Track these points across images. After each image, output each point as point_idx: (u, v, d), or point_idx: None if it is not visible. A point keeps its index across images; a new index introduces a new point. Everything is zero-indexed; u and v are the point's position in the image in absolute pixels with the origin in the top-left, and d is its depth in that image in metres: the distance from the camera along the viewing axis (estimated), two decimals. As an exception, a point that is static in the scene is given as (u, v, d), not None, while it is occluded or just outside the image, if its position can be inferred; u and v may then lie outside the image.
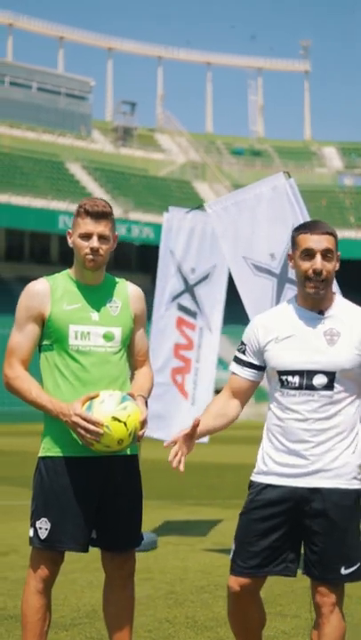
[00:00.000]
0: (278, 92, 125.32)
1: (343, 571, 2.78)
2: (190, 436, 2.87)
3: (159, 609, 4.56)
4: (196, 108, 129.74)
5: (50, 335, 3.03)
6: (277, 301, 5.28)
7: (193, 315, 6.72)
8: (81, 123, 50.72)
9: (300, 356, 2.81)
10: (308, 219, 5.44)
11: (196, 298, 6.71)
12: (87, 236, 3.02)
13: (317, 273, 2.78)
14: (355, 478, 2.82)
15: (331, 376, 2.78)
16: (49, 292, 3.03)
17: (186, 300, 6.69)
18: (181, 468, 2.85)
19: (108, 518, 3.05)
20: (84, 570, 5.39)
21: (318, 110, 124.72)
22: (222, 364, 32.13)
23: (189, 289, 6.70)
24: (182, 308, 6.68)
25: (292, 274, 5.49)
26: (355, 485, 2.82)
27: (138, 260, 44.46)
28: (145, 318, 3.21)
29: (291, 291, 5.42)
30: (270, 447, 2.89)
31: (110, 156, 48.76)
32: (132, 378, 3.20)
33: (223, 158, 52.14)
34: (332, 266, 2.82)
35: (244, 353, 2.96)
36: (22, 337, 3.04)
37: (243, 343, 2.96)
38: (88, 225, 3.02)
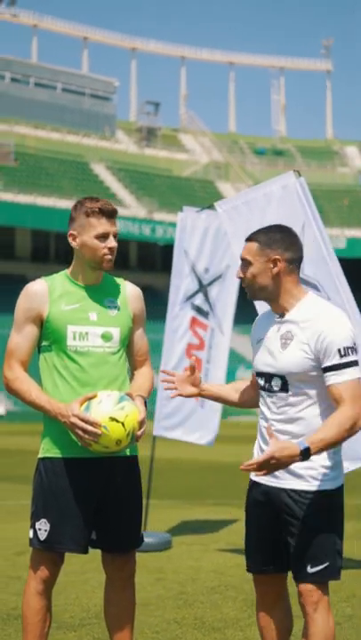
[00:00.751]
0: (300, 91, 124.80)
1: (309, 569, 2.81)
2: (192, 381, 3.09)
3: (168, 609, 4.56)
4: (219, 108, 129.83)
5: (48, 336, 3.03)
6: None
7: (205, 315, 6.72)
8: (105, 123, 50.85)
9: (262, 359, 2.93)
10: (318, 218, 5.41)
11: (209, 298, 6.71)
12: (104, 237, 3.01)
13: (240, 279, 2.95)
14: (315, 479, 2.83)
15: (283, 379, 2.86)
16: (47, 293, 3.03)
17: (199, 300, 6.69)
18: (173, 395, 3.11)
19: (108, 519, 3.05)
20: (97, 570, 5.36)
21: (340, 110, 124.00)
22: (243, 362, 32.00)
23: (203, 289, 6.70)
24: (196, 308, 6.68)
25: (303, 274, 5.46)
26: (319, 487, 2.83)
27: (162, 260, 44.46)
28: (144, 318, 3.20)
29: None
30: (255, 446, 3.00)
31: (134, 157, 48.85)
32: (131, 378, 3.19)
33: (246, 158, 52.01)
34: (251, 272, 2.90)
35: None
36: (21, 338, 3.04)
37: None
38: (105, 225, 3.01)
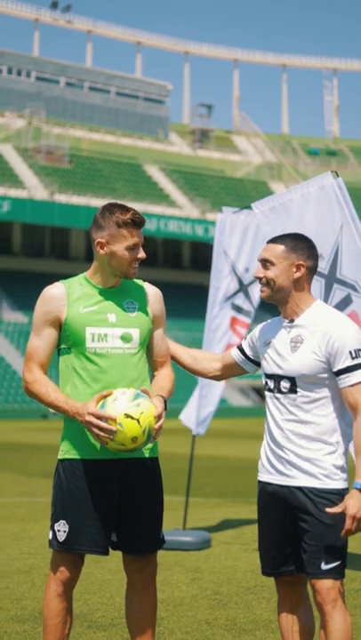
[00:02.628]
0: (354, 92, 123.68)
1: (323, 566, 2.85)
2: None
3: (201, 610, 4.55)
4: (272, 110, 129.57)
5: (67, 338, 3.03)
6: (325, 302, 5.20)
7: (247, 314, 6.72)
8: (159, 126, 51.15)
9: (271, 362, 3.01)
10: (356, 219, 5.34)
11: (251, 297, 6.69)
12: (135, 247, 3.02)
13: (258, 279, 3.02)
14: (329, 478, 2.89)
15: (292, 381, 2.93)
16: (65, 296, 3.03)
17: (240, 300, 6.68)
18: None
19: (128, 521, 3.04)
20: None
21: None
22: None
23: (244, 289, 6.69)
24: (236, 308, 6.68)
25: (341, 274, 5.42)
26: (330, 485, 2.89)
27: (215, 261, 44.49)
28: (164, 319, 3.19)
29: (339, 291, 5.34)
30: (263, 447, 3.06)
31: (187, 158, 49.03)
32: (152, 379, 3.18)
33: (299, 158, 51.77)
34: (274, 273, 2.98)
35: (244, 340, 3.22)
36: (40, 341, 3.05)
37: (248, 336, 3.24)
38: (136, 236, 3.02)
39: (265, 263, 3.00)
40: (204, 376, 3.30)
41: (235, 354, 3.20)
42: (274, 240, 3.02)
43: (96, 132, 48.38)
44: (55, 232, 43.59)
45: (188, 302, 38.54)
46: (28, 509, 8.26)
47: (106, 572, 5.41)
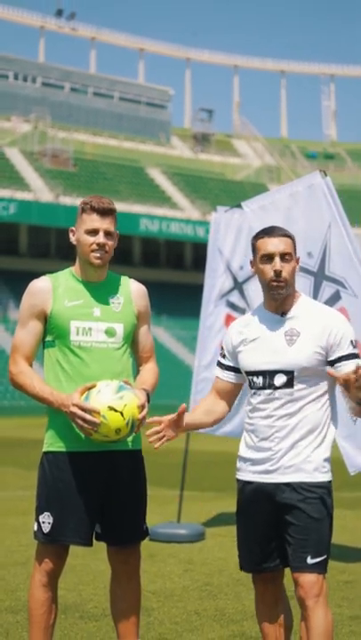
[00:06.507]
0: (351, 97, 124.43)
1: (309, 560, 2.80)
2: (176, 423, 2.94)
3: (191, 601, 4.62)
4: (271, 114, 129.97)
5: (52, 331, 3.06)
6: (315, 299, 5.30)
7: (242, 311, 6.74)
8: (161, 130, 51.28)
9: (262, 357, 2.91)
10: (344, 217, 5.44)
11: (245, 295, 6.72)
12: (93, 232, 3.04)
13: (278, 274, 2.88)
14: (318, 471, 2.86)
15: (290, 375, 2.86)
16: (50, 289, 3.06)
17: (235, 297, 6.71)
18: (157, 445, 2.93)
19: (112, 513, 3.07)
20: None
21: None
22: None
23: (238, 286, 6.73)
24: (231, 305, 6.71)
25: (329, 272, 5.51)
26: (319, 478, 2.86)
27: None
28: (149, 315, 3.21)
29: (328, 288, 5.43)
30: (244, 445, 2.99)
31: (189, 161, 49.12)
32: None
33: (297, 161, 51.92)
34: (291, 267, 2.91)
35: (224, 357, 3.07)
36: (25, 334, 3.07)
37: (222, 348, 3.08)
38: (95, 221, 3.03)
39: (284, 256, 2.88)
40: (223, 417, 3.08)
41: (224, 376, 3.04)
42: (280, 233, 2.90)
43: (100, 135, 48.50)
44: (60, 233, 43.62)
45: (189, 302, 38.56)
46: (29, 503, 8.26)
47: (101, 562, 5.48)
